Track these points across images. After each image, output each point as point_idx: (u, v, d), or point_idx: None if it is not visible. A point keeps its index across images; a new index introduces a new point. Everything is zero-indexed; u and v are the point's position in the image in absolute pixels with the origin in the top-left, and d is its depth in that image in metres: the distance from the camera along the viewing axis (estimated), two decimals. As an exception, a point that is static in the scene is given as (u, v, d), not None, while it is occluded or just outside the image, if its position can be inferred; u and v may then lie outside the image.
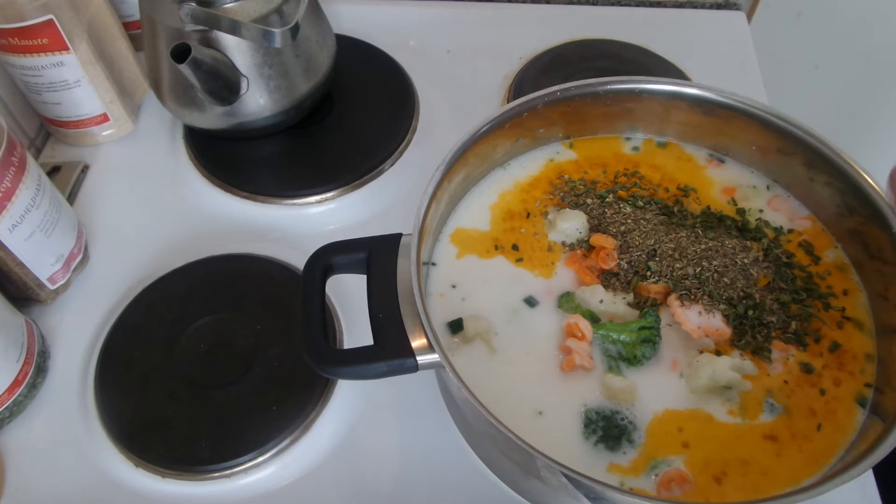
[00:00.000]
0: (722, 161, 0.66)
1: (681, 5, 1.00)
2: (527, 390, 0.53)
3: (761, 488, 0.48)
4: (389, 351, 0.47)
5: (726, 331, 0.54)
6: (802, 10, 1.10)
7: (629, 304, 0.56)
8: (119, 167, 0.82)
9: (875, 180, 0.55)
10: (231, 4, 0.67)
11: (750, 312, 0.55)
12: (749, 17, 1.01)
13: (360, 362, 0.48)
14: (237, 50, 0.70)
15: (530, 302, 0.57)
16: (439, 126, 0.84)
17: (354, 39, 0.91)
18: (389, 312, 0.49)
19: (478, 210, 0.63)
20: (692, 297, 0.55)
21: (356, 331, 0.67)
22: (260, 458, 0.59)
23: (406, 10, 0.99)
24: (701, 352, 0.53)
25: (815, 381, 0.53)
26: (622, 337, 0.54)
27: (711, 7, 1.01)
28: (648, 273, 0.57)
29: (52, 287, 0.67)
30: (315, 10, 0.77)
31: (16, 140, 0.62)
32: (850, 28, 1.10)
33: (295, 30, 0.65)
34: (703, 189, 0.64)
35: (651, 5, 1.00)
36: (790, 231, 0.61)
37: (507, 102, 0.74)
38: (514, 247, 0.60)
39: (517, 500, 0.57)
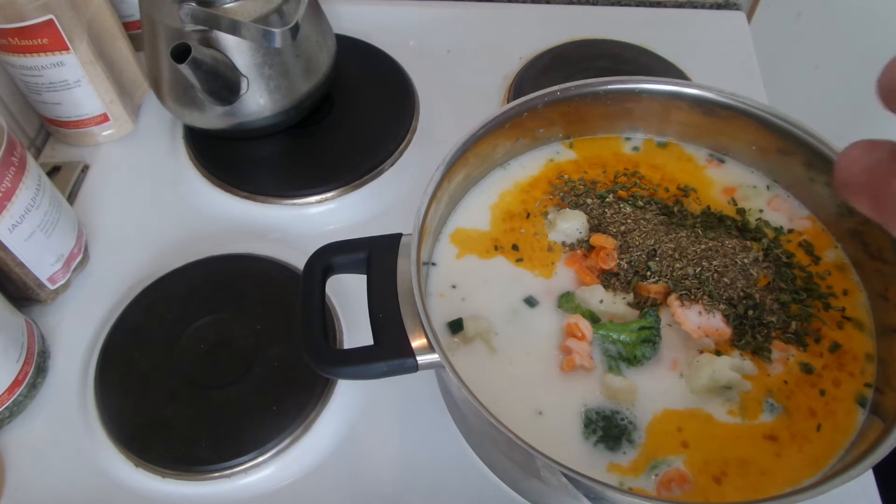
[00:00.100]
0: (722, 161, 0.66)
1: (681, 5, 1.00)
2: (527, 390, 0.52)
3: (761, 488, 0.48)
4: (389, 351, 0.47)
5: (726, 331, 0.54)
6: (802, 10, 1.10)
7: (629, 304, 0.56)
8: (119, 167, 0.82)
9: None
10: (231, 4, 0.67)
11: (750, 312, 0.55)
12: (749, 17, 1.01)
13: (360, 362, 0.48)
14: (237, 50, 0.70)
15: (530, 302, 0.57)
16: (439, 126, 0.84)
17: (354, 39, 0.91)
18: (389, 312, 0.48)
19: (478, 210, 0.63)
20: (692, 297, 0.55)
21: (356, 331, 0.67)
22: (260, 458, 0.59)
23: (406, 10, 0.99)
24: (701, 352, 0.53)
25: (815, 382, 0.53)
26: (622, 337, 0.54)
27: (711, 7, 1.01)
28: (648, 273, 0.57)
29: (52, 287, 0.68)
30: (315, 10, 0.77)
31: (16, 140, 0.62)
32: (850, 28, 1.10)
33: (295, 30, 0.65)
34: (703, 189, 0.64)
35: (651, 5, 1.00)
36: (790, 231, 0.61)
37: (507, 102, 0.74)
38: (514, 247, 0.60)
39: (517, 500, 0.57)
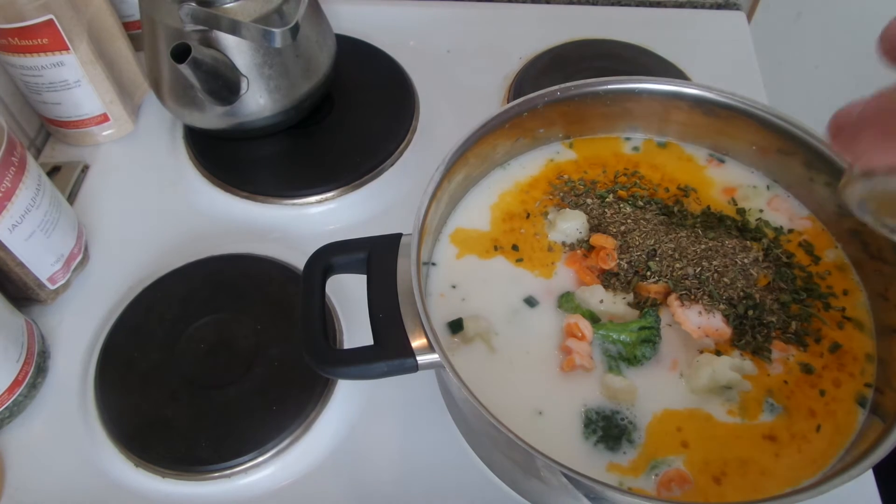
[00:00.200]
0: (722, 161, 0.66)
1: (681, 5, 1.00)
2: (527, 390, 0.53)
3: (761, 488, 0.48)
4: (389, 351, 0.47)
5: (726, 331, 0.54)
6: (802, 10, 1.10)
7: (629, 304, 0.56)
8: (119, 167, 0.82)
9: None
10: (231, 4, 0.67)
11: (750, 312, 0.55)
12: (749, 17, 1.01)
13: (360, 362, 0.48)
14: (237, 50, 0.70)
15: (530, 302, 0.57)
16: (439, 126, 0.84)
17: (354, 39, 0.91)
18: (389, 312, 0.49)
19: (478, 210, 0.63)
20: (692, 297, 0.55)
21: (356, 331, 0.67)
22: (260, 458, 0.59)
23: (406, 10, 0.99)
24: (701, 352, 0.53)
25: (815, 382, 0.53)
26: (622, 337, 0.54)
27: (711, 7, 1.01)
28: (648, 273, 0.57)
29: (52, 287, 0.68)
30: (315, 10, 0.77)
31: (16, 140, 0.62)
32: (849, 28, 1.10)
33: (295, 30, 0.65)
34: (703, 189, 0.64)
35: (651, 5, 1.00)
36: (790, 231, 0.61)
37: (507, 102, 0.74)
38: (514, 247, 0.60)
39: (517, 500, 0.57)
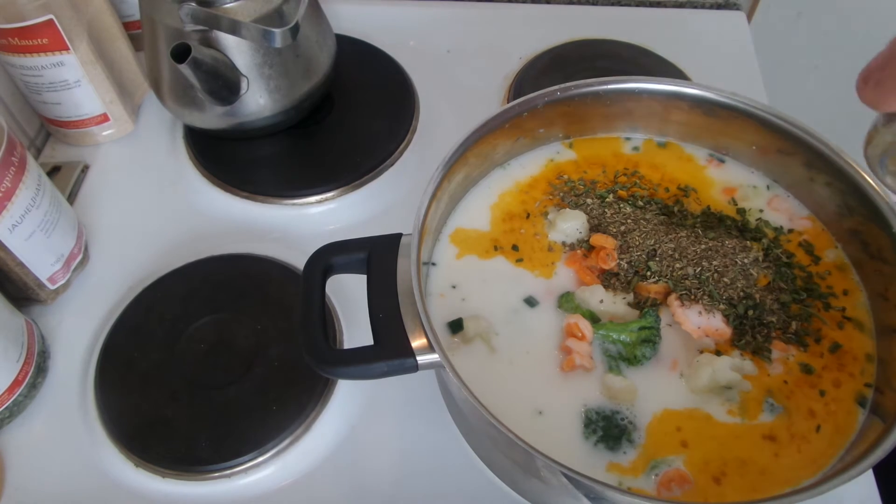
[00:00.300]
0: (722, 161, 0.66)
1: (681, 5, 1.00)
2: (527, 390, 0.52)
3: (760, 488, 0.48)
4: (389, 351, 0.47)
5: (726, 331, 0.54)
6: (802, 10, 1.10)
7: (629, 304, 0.56)
8: (119, 167, 0.82)
9: (875, 181, 0.55)
10: (231, 4, 0.67)
11: (750, 312, 0.55)
12: (749, 17, 1.01)
13: (360, 362, 0.48)
14: (237, 50, 0.70)
15: (530, 302, 0.57)
16: (439, 126, 0.84)
17: (354, 39, 0.91)
18: (389, 312, 0.49)
19: (478, 210, 0.63)
20: (692, 297, 0.55)
21: (356, 331, 0.67)
22: (260, 458, 0.59)
23: (406, 10, 0.99)
24: (701, 352, 0.53)
25: (815, 382, 0.53)
26: (622, 337, 0.54)
27: (711, 7, 1.01)
28: (648, 273, 0.57)
29: (52, 287, 0.68)
30: (315, 10, 0.77)
31: (16, 140, 0.62)
32: (850, 28, 1.10)
33: (295, 30, 0.65)
34: (704, 189, 0.64)
35: (651, 5, 1.00)
36: (790, 231, 0.61)
37: (507, 102, 0.74)
38: (514, 247, 0.60)
39: (517, 500, 0.57)
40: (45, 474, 0.60)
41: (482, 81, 0.89)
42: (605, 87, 0.63)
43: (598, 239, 0.59)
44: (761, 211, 0.62)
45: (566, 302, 0.57)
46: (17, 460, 0.60)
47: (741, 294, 0.55)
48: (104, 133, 0.83)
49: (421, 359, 0.47)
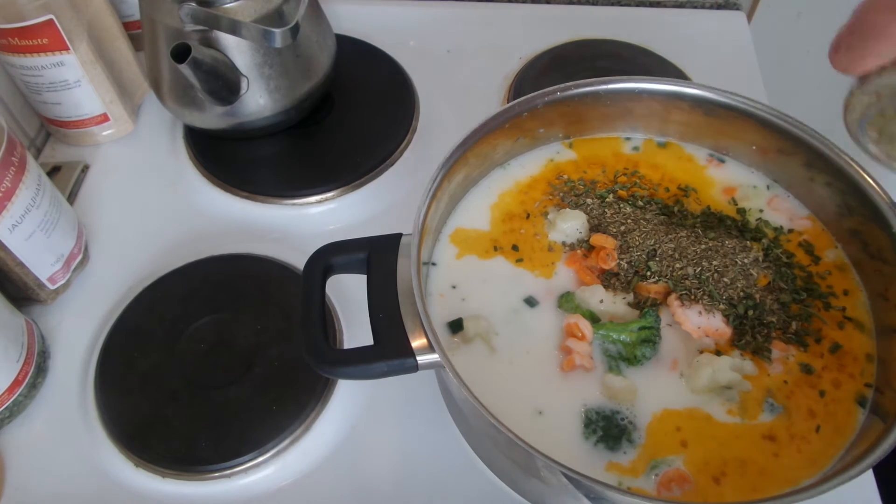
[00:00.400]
0: (722, 161, 0.66)
1: (681, 5, 1.00)
2: (527, 390, 0.52)
3: (760, 488, 0.48)
4: (389, 351, 0.47)
5: (726, 331, 0.54)
6: (802, 10, 1.10)
7: (629, 304, 0.56)
8: (119, 167, 0.82)
9: (875, 180, 0.55)
10: (231, 4, 0.67)
11: (750, 312, 0.55)
12: (749, 17, 1.01)
13: (360, 362, 0.48)
14: (237, 50, 0.70)
15: (530, 302, 0.57)
16: (439, 126, 0.84)
17: (354, 39, 0.91)
18: (389, 312, 0.49)
19: (478, 210, 0.63)
20: (692, 297, 0.55)
21: (356, 331, 0.67)
22: (260, 458, 0.59)
23: (406, 10, 0.99)
24: (701, 352, 0.53)
25: (815, 383, 0.53)
26: (622, 337, 0.54)
27: (711, 7, 1.01)
28: (648, 273, 0.57)
29: (52, 287, 0.68)
30: (315, 10, 0.77)
31: (16, 140, 0.62)
32: (850, 28, 1.10)
33: (295, 30, 0.65)
34: (704, 189, 0.64)
35: (651, 5, 1.00)
36: (790, 231, 0.61)
37: (507, 102, 0.74)
38: (514, 247, 0.60)
39: (517, 500, 0.57)
40: (45, 474, 0.60)
41: (482, 81, 0.89)
42: (605, 87, 0.63)
43: (598, 239, 0.59)
44: (761, 211, 0.62)
45: (566, 302, 0.57)
46: (17, 460, 0.60)
47: (741, 294, 0.55)
48: (104, 133, 0.83)
49: (421, 359, 0.47)
